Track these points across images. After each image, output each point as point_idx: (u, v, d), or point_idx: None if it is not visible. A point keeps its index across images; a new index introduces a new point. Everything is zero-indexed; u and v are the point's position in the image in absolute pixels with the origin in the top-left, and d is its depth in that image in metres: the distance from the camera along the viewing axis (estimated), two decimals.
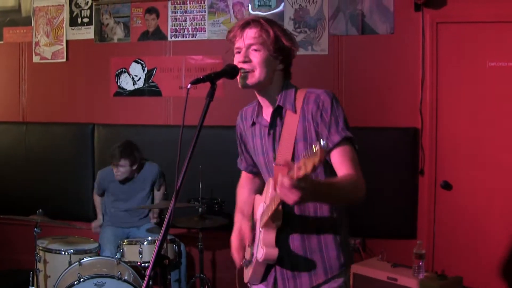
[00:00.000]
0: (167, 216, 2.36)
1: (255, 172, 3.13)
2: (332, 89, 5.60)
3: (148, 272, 2.32)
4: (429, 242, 5.54)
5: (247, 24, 2.67)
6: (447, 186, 5.53)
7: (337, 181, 2.52)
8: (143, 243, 5.11)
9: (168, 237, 5.05)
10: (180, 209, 5.23)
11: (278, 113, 2.75)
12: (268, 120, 2.78)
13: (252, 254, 2.81)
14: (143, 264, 5.09)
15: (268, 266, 2.78)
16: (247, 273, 2.88)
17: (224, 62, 5.90)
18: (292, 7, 5.80)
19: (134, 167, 5.73)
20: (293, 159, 2.64)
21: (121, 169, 5.68)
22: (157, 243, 2.35)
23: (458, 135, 5.52)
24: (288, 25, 5.77)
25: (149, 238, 5.20)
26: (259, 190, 3.07)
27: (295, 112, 2.69)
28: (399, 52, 5.63)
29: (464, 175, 5.51)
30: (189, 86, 2.41)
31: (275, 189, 2.48)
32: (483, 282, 5.36)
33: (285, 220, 2.64)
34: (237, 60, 2.67)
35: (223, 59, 5.91)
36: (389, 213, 5.60)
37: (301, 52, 5.67)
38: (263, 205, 2.76)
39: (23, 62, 6.71)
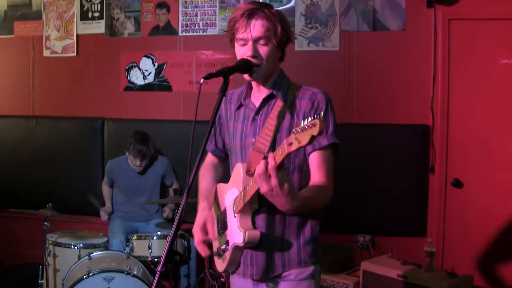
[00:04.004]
0: (178, 212, 2.36)
1: (221, 157, 3.12)
2: (343, 85, 5.68)
3: (159, 268, 2.32)
4: (439, 240, 5.53)
5: (252, 14, 2.62)
6: (457, 184, 5.51)
7: (308, 194, 2.53)
8: (152, 238, 5.10)
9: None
10: (190, 204, 5.20)
11: (268, 100, 2.75)
12: (257, 104, 2.78)
13: (226, 242, 2.77)
14: (155, 260, 5.09)
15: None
16: (222, 262, 2.86)
17: (234, 57, 5.87)
18: (304, 2, 5.78)
19: (145, 159, 5.71)
20: (272, 147, 2.63)
21: (140, 162, 5.67)
22: (169, 238, 2.34)
23: (470, 132, 5.49)
24: (299, 21, 5.76)
25: (159, 233, 5.19)
26: (220, 179, 3.09)
27: (285, 102, 2.70)
28: (410, 49, 5.60)
29: (475, 173, 5.48)
30: (202, 81, 2.40)
31: (250, 174, 2.57)
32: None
33: (260, 202, 2.63)
34: (246, 54, 2.64)
35: (234, 54, 5.89)
36: (399, 210, 5.59)
37: (312, 48, 5.71)
38: (234, 191, 2.72)
39: (34, 56, 6.72)
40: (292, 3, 5.81)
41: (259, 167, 2.23)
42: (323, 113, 2.62)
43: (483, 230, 5.45)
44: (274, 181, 2.21)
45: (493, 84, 5.41)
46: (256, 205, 2.64)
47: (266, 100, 2.75)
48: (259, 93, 2.79)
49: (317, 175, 2.63)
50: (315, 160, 2.64)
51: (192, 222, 5.45)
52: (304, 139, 2.05)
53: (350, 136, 5.32)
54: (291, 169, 2.69)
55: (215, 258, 2.93)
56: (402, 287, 4.62)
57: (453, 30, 5.48)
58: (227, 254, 2.78)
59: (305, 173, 2.70)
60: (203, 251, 2.79)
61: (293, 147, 2.09)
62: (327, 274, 5.04)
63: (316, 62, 5.73)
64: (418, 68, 5.58)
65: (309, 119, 2.06)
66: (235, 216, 2.68)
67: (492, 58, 5.39)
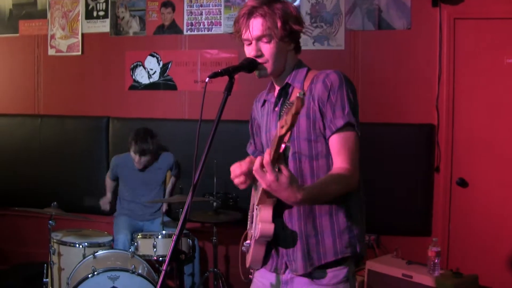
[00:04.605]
0: (184, 211, 2.35)
1: None
2: None
3: (164, 267, 2.31)
4: (444, 240, 5.52)
5: (251, 13, 2.61)
6: (463, 183, 5.50)
7: (320, 184, 2.46)
8: (157, 237, 5.10)
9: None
10: (195, 204, 5.16)
11: (285, 90, 2.73)
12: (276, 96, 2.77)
13: (251, 236, 2.75)
14: (159, 259, 5.09)
15: (269, 248, 2.71)
16: (248, 257, 2.82)
17: (240, 56, 5.88)
18: (309, 1, 5.77)
19: (150, 155, 5.72)
20: (291, 136, 2.53)
21: (139, 158, 5.67)
22: (174, 237, 2.33)
23: (475, 132, 5.48)
24: (304, 20, 5.72)
25: (163, 232, 5.19)
26: None
27: (301, 89, 2.64)
28: (416, 48, 5.59)
29: (480, 173, 5.47)
30: (207, 80, 2.38)
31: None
32: (499, 280, 5.34)
33: None
34: (250, 53, 2.64)
35: (239, 53, 5.90)
36: (404, 209, 5.58)
37: (317, 47, 5.71)
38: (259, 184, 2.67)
39: (39, 55, 6.73)
40: (297, 2, 5.80)
41: (255, 163, 2.20)
42: (336, 91, 2.54)
43: (488, 230, 5.44)
44: (269, 176, 2.17)
45: (498, 84, 5.39)
46: (275, 198, 2.48)
47: (282, 91, 2.73)
48: (278, 86, 2.78)
49: (338, 160, 2.54)
50: (334, 144, 2.55)
51: (196, 221, 5.46)
52: (289, 119, 1.98)
53: None
54: (315, 154, 2.61)
55: (246, 253, 2.88)
56: (407, 286, 4.61)
57: (458, 29, 5.47)
58: (251, 248, 2.73)
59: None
60: (241, 181, 2.73)
61: (283, 130, 2.02)
62: None
63: (321, 61, 5.70)
64: (423, 67, 5.57)
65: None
66: (256, 209, 2.64)
67: (498, 58, 5.38)
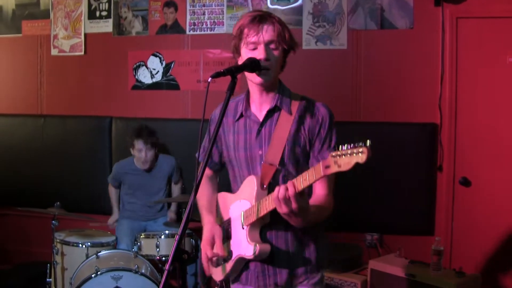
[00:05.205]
0: (186, 211, 2.35)
1: (216, 169, 3.14)
2: (350, 84, 5.68)
3: (167, 266, 2.32)
4: (447, 239, 5.51)
5: (263, 19, 2.63)
6: (466, 182, 5.49)
7: (315, 211, 2.60)
8: (160, 237, 5.10)
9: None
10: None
11: (273, 112, 2.75)
12: (259, 116, 2.76)
13: (229, 252, 2.78)
14: (162, 259, 5.09)
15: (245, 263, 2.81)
16: (220, 272, 2.86)
17: None
18: (311, 1, 5.77)
19: (152, 150, 5.71)
20: (282, 159, 2.68)
21: (142, 154, 5.65)
22: (177, 237, 2.34)
23: (478, 131, 5.47)
24: (307, 20, 5.75)
25: (166, 231, 5.19)
26: (216, 190, 3.11)
27: (290, 114, 2.72)
28: (418, 47, 5.58)
29: (483, 172, 5.47)
30: (209, 79, 2.39)
31: (264, 188, 2.64)
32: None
33: (273, 218, 2.65)
34: (258, 56, 2.62)
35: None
36: (407, 209, 5.58)
37: (319, 46, 5.70)
38: (244, 203, 2.73)
39: (42, 55, 6.73)
40: (299, 2, 5.80)
41: (281, 192, 2.34)
42: (326, 127, 2.72)
43: (491, 229, 5.43)
44: (294, 205, 2.33)
45: (500, 82, 5.38)
46: (268, 219, 2.66)
47: (271, 112, 2.75)
48: (260, 104, 2.78)
49: (319, 186, 2.71)
50: None
51: (199, 221, 5.43)
52: (346, 164, 2.12)
53: (358, 135, 5.30)
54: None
55: (216, 267, 2.92)
56: (410, 286, 4.61)
57: (460, 29, 5.46)
58: (229, 264, 2.79)
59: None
60: (207, 270, 2.87)
61: (331, 171, 2.16)
62: (334, 272, 5.04)
63: (324, 61, 5.72)
64: (425, 66, 5.57)
65: (350, 145, 2.12)
66: (243, 228, 2.69)
67: (500, 57, 5.37)
